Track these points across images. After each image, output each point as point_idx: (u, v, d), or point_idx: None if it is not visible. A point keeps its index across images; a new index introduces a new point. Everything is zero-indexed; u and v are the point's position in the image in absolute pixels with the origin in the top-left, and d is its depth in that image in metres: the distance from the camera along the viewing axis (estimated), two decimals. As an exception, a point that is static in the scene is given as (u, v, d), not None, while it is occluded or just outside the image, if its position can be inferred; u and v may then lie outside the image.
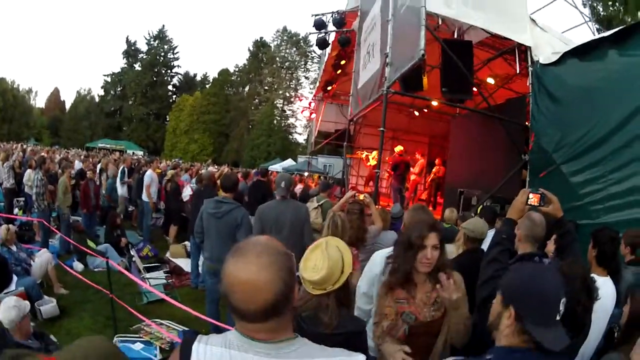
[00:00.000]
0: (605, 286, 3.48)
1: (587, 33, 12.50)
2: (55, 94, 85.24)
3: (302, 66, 74.62)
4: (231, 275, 1.49)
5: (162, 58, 77.92)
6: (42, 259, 8.08)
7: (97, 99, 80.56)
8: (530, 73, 7.99)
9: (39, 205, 10.36)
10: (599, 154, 6.10)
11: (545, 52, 7.80)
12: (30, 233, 11.27)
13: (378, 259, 3.52)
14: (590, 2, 23.89)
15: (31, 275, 7.67)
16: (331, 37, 16.39)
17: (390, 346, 2.81)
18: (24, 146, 30.89)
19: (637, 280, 3.94)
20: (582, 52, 6.74)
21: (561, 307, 1.92)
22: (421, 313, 2.90)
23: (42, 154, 17.88)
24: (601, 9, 24.10)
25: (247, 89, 75.35)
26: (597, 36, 6.71)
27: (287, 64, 74.54)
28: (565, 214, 3.31)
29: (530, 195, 3.15)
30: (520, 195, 3.19)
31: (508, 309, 2.01)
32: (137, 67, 77.03)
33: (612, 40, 6.21)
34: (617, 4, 23.72)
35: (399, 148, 16.59)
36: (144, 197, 12.46)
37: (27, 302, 4.93)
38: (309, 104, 24.76)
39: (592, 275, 2.93)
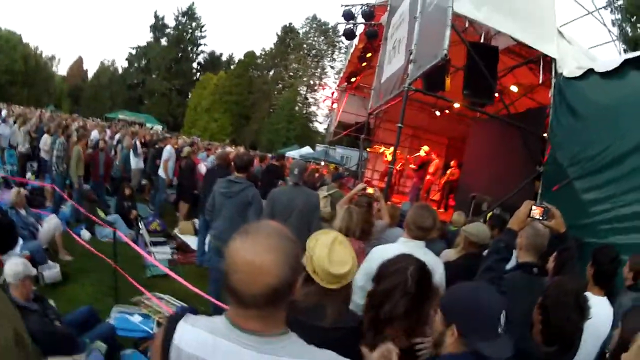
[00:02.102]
0: (599, 306, 3.47)
1: (613, 52, 12.42)
2: (79, 62, 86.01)
3: (329, 55, 74.58)
4: (236, 254, 1.46)
5: (189, 35, 78.30)
6: (50, 224, 8.19)
7: (120, 71, 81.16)
8: (553, 85, 7.92)
9: (57, 168, 10.48)
10: (612, 174, 6.02)
11: (570, 65, 7.72)
12: (41, 198, 11.44)
13: (376, 255, 3.55)
14: (619, 22, 23.80)
15: (37, 240, 7.77)
16: (359, 29, 16.39)
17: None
18: (43, 111, 31.13)
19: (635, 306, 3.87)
20: (605, 70, 6.65)
21: (501, 321, 2.07)
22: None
23: (63, 121, 18.15)
24: (629, 30, 24.00)
25: (271, 73, 75.28)
26: (622, 57, 6.64)
27: (313, 51, 74.45)
28: (573, 230, 3.32)
29: (534, 208, 3.15)
30: (524, 206, 3.19)
31: (450, 327, 2.14)
32: (164, 42, 77.27)
33: (635, 63, 6.17)
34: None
35: (425, 148, 16.73)
36: (161, 172, 12.56)
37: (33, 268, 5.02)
38: (332, 93, 24.71)
39: (587, 293, 2.94)
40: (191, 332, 1.58)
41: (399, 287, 2.48)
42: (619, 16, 24.22)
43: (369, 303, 2.62)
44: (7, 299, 1.53)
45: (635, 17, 24.43)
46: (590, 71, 6.98)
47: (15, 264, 4.65)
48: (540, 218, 3.17)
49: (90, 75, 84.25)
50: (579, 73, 7.25)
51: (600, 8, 11.63)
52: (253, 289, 1.43)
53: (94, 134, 17.17)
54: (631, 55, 6.34)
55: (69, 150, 10.77)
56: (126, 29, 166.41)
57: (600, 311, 3.46)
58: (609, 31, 12.63)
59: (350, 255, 2.53)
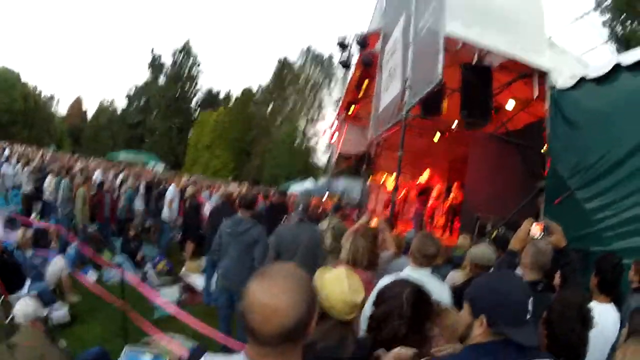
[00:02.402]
0: (606, 313, 3.51)
1: (606, 53, 12.51)
2: (78, 102, 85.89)
3: (326, 86, 74.63)
4: (253, 295, 1.51)
5: (186, 72, 78.58)
6: (56, 266, 8.26)
7: (119, 111, 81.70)
8: (548, 97, 7.96)
9: (64, 209, 10.71)
10: (612, 180, 6.03)
11: (563, 75, 7.76)
12: (46, 240, 11.37)
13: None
14: (609, 23, 23.97)
15: (44, 281, 7.84)
16: (354, 58, 16.47)
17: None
18: (44, 151, 31.24)
19: (641, 308, 3.87)
20: (597, 75, 6.66)
21: (529, 307, 2.13)
22: None
23: (65, 160, 18.25)
24: (620, 28, 24.12)
25: (270, 107, 75.40)
26: (613, 60, 6.65)
27: (310, 83, 74.55)
28: (578, 241, 3.34)
29: (534, 225, 3.17)
30: (524, 225, 3.22)
31: (478, 318, 2.17)
32: (161, 80, 77.79)
33: (628, 65, 6.18)
34: (634, 23, 23.79)
35: (427, 173, 16.70)
36: (165, 212, 12.51)
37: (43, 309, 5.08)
38: (330, 125, 24.71)
39: (593, 302, 2.95)
40: None
41: (395, 311, 2.51)
42: (609, 16, 24.41)
43: (369, 325, 2.66)
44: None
45: (624, 15, 24.50)
46: (582, 79, 7.01)
47: (26, 304, 4.73)
48: (540, 235, 3.19)
49: (89, 115, 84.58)
50: (572, 83, 7.28)
51: (590, 11, 11.75)
52: (267, 328, 1.48)
53: (97, 174, 17.22)
54: (622, 57, 6.38)
55: (74, 192, 10.89)
56: (124, 69, 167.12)
57: (608, 317, 3.51)
58: (600, 34, 12.79)
59: (361, 284, 2.64)
